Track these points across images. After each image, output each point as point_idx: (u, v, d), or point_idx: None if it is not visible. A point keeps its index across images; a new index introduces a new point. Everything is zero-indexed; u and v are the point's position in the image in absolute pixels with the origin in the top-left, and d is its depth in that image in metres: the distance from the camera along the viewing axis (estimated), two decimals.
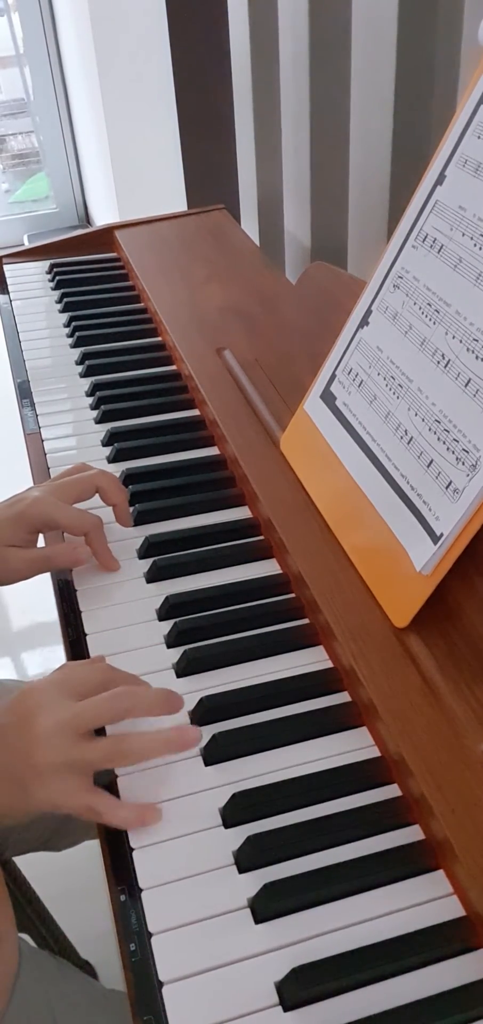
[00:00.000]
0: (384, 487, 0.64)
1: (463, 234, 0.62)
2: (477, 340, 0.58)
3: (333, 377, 0.73)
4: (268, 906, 0.47)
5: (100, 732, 0.55)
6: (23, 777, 0.52)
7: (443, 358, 0.61)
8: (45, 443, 0.87)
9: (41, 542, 0.72)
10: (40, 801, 0.52)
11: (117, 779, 0.55)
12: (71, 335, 1.05)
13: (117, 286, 1.16)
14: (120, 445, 0.84)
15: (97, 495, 0.72)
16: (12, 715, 0.54)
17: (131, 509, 0.76)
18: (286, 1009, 0.44)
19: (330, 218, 1.18)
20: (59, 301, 1.13)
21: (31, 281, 1.19)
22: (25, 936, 0.84)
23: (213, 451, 0.85)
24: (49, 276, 1.19)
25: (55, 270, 1.19)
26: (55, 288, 1.16)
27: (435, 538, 0.58)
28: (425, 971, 0.45)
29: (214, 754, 0.55)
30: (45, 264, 1.22)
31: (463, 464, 0.57)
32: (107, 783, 0.54)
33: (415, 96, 0.94)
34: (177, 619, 0.65)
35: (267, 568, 0.71)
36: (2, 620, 1.81)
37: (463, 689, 0.55)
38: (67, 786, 0.52)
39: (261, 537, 0.74)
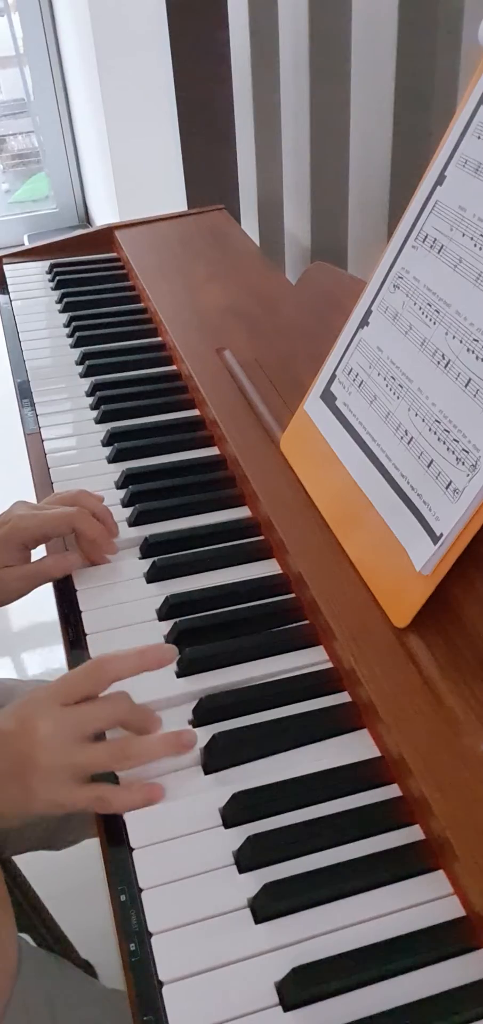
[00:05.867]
0: (384, 487, 0.64)
1: (463, 234, 0.62)
2: (477, 340, 0.58)
3: (333, 377, 0.73)
4: (268, 906, 0.47)
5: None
6: (26, 780, 0.52)
7: (443, 358, 0.61)
8: (45, 443, 0.87)
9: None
10: (44, 802, 0.53)
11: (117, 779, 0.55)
12: (71, 335, 1.05)
13: (117, 286, 1.16)
14: (120, 445, 0.84)
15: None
16: (13, 721, 0.54)
17: (131, 509, 0.76)
18: (286, 1009, 0.44)
19: (330, 218, 1.18)
20: (59, 301, 1.13)
21: (31, 281, 1.19)
22: (25, 936, 0.83)
23: (213, 451, 0.85)
24: (49, 276, 1.19)
25: (55, 270, 1.19)
26: (55, 288, 1.16)
27: (435, 538, 0.58)
28: (425, 971, 0.45)
29: (214, 754, 0.55)
30: (45, 264, 1.22)
31: (463, 464, 0.57)
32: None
33: (415, 96, 0.94)
34: (177, 619, 0.65)
35: (267, 568, 0.71)
36: (2, 620, 1.81)
37: (463, 689, 0.55)
38: (70, 786, 0.53)
39: (261, 537, 0.74)
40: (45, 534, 0.70)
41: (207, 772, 0.55)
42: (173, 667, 0.62)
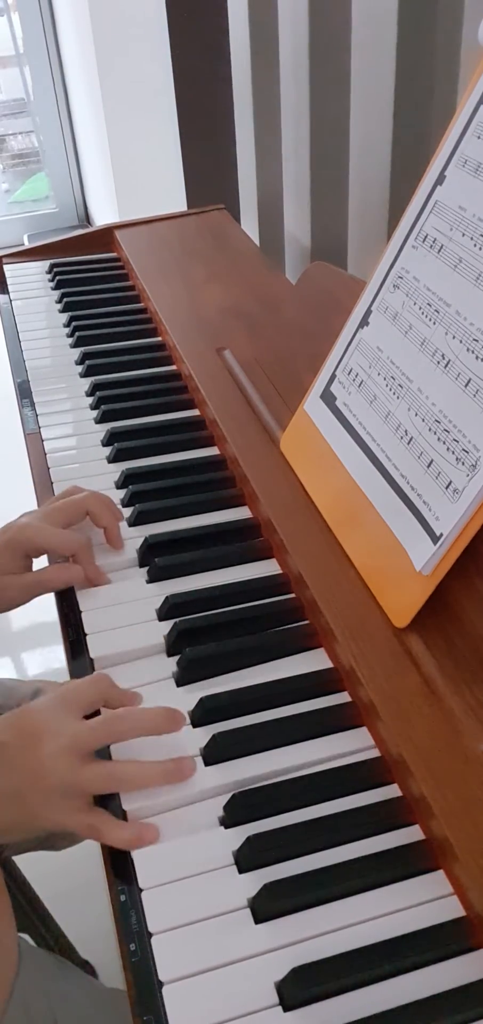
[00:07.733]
0: (384, 487, 0.64)
1: (463, 234, 0.62)
2: (477, 340, 0.58)
3: (333, 377, 0.73)
4: (268, 906, 0.47)
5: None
6: (28, 798, 0.53)
7: (443, 358, 0.61)
8: (45, 443, 0.87)
9: (38, 564, 0.72)
10: (44, 821, 0.53)
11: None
12: (71, 335, 1.05)
13: (117, 286, 1.16)
14: (120, 445, 0.84)
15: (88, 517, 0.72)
16: (15, 734, 0.54)
17: (131, 509, 0.76)
18: (286, 1009, 0.44)
19: (330, 218, 1.18)
20: (59, 301, 1.13)
21: (31, 281, 1.19)
22: (25, 936, 0.84)
23: (213, 451, 0.85)
24: (49, 276, 1.19)
25: (55, 270, 1.19)
26: (55, 288, 1.16)
27: (435, 538, 0.58)
28: (425, 971, 0.45)
29: (214, 754, 0.55)
30: (45, 264, 1.22)
31: (463, 464, 0.57)
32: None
33: (415, 96, 0.94)
34: (177, 619, 0.65)
35: (267, 568, 0.70)
36: (2, 620, 1.81)
37: (463, 689, 0.55)
38: (69, 807, 0.53)
39: (261, 537, 0.74)
40: (49, 548, 0.70)
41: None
42: (173, 668, 0.62)
